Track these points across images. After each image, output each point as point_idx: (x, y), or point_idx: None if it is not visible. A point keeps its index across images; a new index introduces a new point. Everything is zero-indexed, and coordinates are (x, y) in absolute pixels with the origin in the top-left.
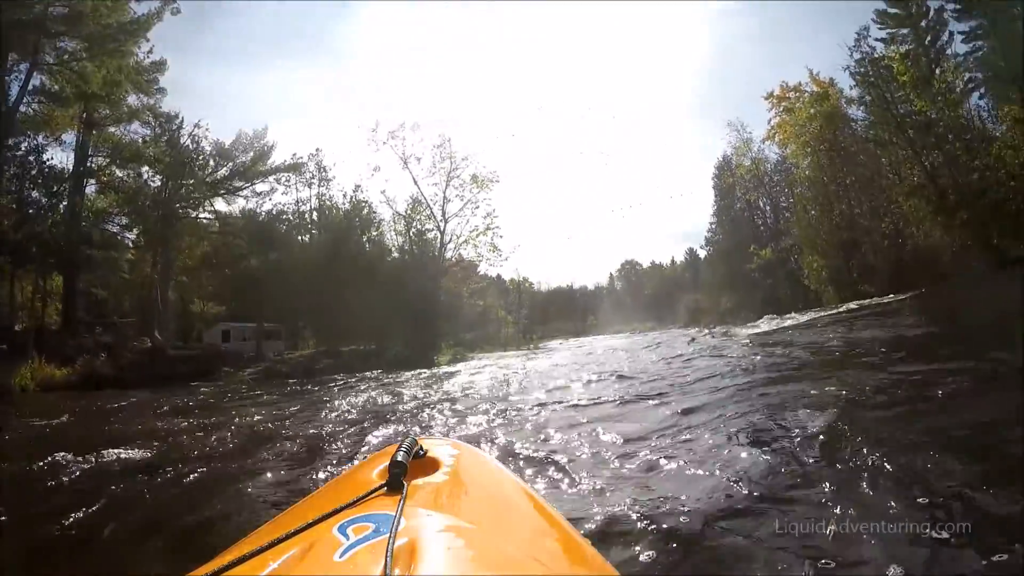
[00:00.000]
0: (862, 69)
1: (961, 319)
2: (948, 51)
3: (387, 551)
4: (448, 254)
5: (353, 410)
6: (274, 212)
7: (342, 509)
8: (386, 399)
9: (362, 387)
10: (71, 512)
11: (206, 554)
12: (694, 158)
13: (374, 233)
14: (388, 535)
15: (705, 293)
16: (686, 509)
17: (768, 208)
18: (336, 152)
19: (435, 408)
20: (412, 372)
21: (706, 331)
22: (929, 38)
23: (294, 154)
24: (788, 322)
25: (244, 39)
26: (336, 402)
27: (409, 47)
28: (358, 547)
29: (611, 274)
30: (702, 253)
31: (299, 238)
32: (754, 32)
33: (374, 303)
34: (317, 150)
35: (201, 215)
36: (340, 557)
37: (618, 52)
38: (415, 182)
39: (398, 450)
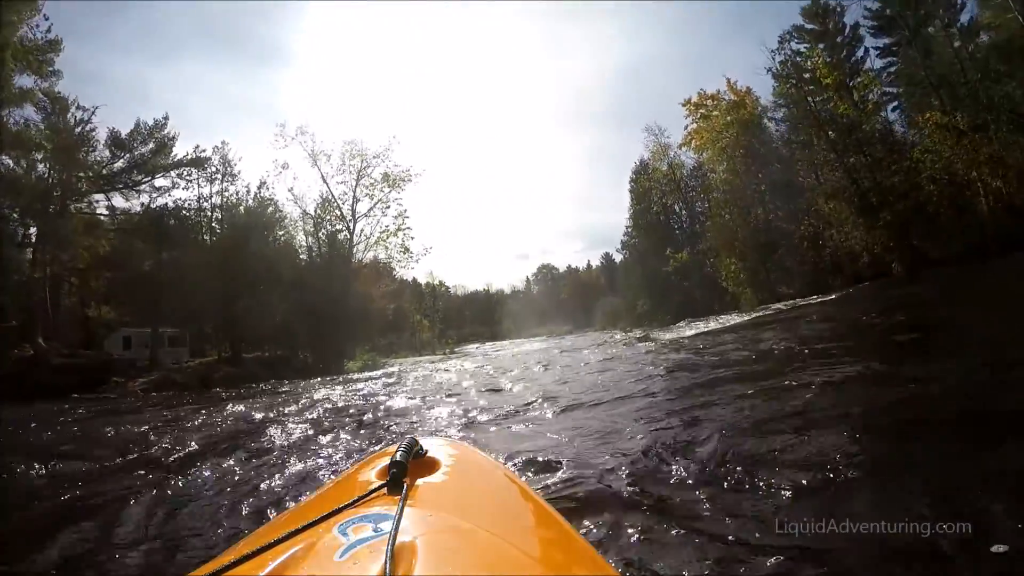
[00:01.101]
0: (785, 71)
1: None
2: (864, 66)
3: (387, 551)
4: (358, 255)
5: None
6: (173, 208)
7: (342, 509)
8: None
9: (249, 402)
10: None
11: None
12: (606, 162)
13: (280, 233)
14: (388, 535)
15: (622, 296)
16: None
17: (684, 212)
18: (244, 148)
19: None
20: (316, 381)
21: (626, 335)
22: (844, 53)
23: (197, 146)
24: (713, 324)
25: (158, 31)
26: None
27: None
28: (358, 547)
29: (527, 278)
30: (618, 257)
31: (203, 238)
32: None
33: (281, 307)
34: (223, 143)
35: (98, 211)
36: (340, 557)
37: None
38: (324, 180)
39: (398, 450)
